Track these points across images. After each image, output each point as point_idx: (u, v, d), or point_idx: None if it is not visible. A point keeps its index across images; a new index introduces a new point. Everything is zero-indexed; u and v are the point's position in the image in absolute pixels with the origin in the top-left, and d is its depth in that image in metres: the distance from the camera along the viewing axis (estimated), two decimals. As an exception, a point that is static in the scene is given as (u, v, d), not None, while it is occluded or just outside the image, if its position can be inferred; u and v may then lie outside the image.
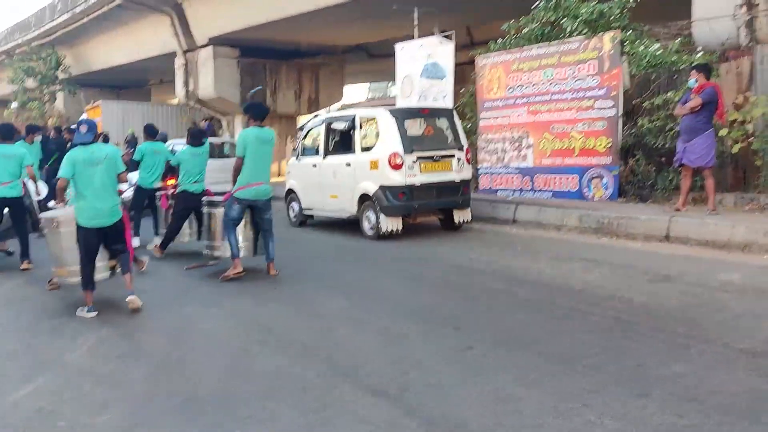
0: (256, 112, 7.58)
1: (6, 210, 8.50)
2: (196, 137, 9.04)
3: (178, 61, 25.02)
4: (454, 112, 10.92)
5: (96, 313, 6.08)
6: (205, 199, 8.36)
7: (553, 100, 11.52)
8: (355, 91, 45.89)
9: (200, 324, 5.82)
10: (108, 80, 34.15)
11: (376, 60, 26.78)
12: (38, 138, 12.04)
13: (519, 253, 8.32)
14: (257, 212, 7.53)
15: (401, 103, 13.79)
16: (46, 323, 5.99)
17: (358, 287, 7.01)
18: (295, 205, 11.82)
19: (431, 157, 9.84)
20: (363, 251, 9.11)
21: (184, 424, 3.78)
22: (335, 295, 6.61)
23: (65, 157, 6.08)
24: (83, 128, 6.10)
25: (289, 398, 4.07)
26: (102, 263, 6.42)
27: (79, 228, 6.03)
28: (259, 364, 4.74)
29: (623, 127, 10.72)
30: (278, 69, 25.06)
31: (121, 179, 6.26)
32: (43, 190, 9.86)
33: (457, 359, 4.64)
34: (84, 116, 23.42)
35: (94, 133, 6.22)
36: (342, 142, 10.77)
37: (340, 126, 10.79)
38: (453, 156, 10.07)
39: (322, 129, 10.93)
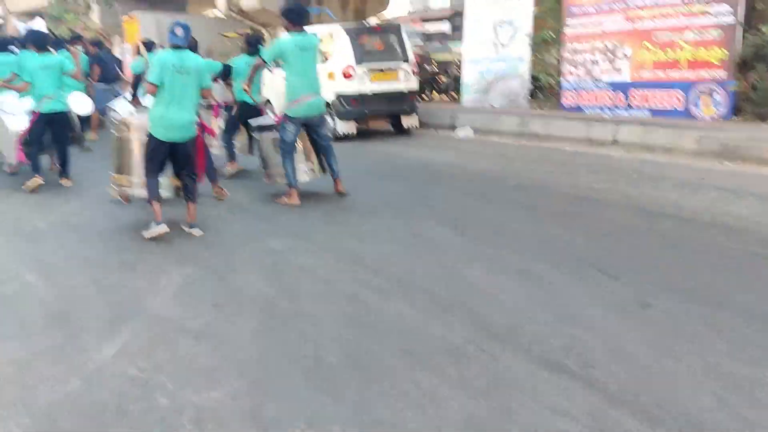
0: (295, 16, 6.48)
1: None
2: (252, 45, 8.34)
3: (218, -31, 23.59)
4: (402, 28, 12.32)
5: (165, 227, 5.45)
6: (254, 122, 7.40)
7: (657, 4, 10.13)
8: (397, 3, 43.71)
9: (295, 260, 4.95)
10: (142, -9, 32.76)
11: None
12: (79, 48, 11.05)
13: (637, 181, 7.25)
14: (312, 129, 6.72)
15: (469, 7, 12.42)
16: (115, 257, 5.18)
17: (447, 211, 6.18)
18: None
19: (380, 69, 11.38)
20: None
21: (321, 402, 2.93)
22: (429, 221, 5.72)
23: (154, 59, 5.47)
24: (179, 30, 5.39)
25: (440, 369, 3.19)
26: (165, 180, 5.89)
27: (150, 138, 5.47)
28: (384, 318, 3.86)
29: (742, 36, 9.36)
30: (324, -24, 23.48)
31: (204, 95, 5.65)
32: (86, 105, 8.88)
33: (637, 320, 3.70)
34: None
35: (189, 37, 5.52)
36: None
37: None
38: (400, 68, 11.61)
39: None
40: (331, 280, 4.53)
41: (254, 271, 4.77)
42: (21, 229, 5.98)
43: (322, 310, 4.01)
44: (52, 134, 7.79)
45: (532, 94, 12.81)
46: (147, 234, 5.46)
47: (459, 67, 22.73)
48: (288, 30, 6.52)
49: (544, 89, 12.54)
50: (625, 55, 10.61)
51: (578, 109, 11.31)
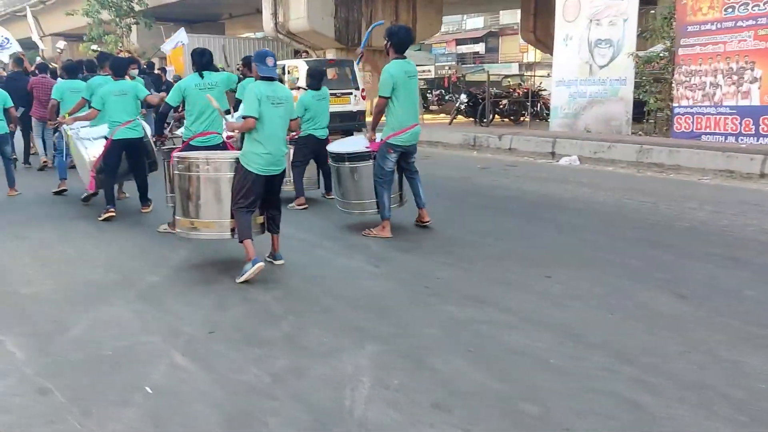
0: (400, 40, 6.12)
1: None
2: (316, 78, 7.95)
3: (266, -11, 22.90)
4: (354, 62, 15.74)
5: (262, 264, 5.03)
6: (344, 152, 6.65)
7: (797, 20, 9.12)
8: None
9: (498, 337, 3.93)
10: (182, 14, 32.44)
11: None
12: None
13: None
14: (404, 157, 6.41)
15: (559, 27, 11.50)
16: (199, 286, 4.21)
17: (621, 260, 5.35)
18: None
19: (335, 94, 13.81)
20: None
21: None
22: (616, 277, 4.73)
23: (248, 92, 5.07)
24: (270, 61, 5.10)
25: None
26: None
27: (246, 173, 5.07)
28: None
29: None
30: (375, -1, 22.79)
31: (292, 126, 5.48)
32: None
33: None
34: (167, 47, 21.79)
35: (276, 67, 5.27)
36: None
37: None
38: (351, 93, 15.61)
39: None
40: (574, 372, 3.47)
41: (456, 353, 3.73)
42: (133, 284, 5.01)
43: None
44: (129, 162, 7.49)
45: (635, 119, 11.79)
46: (243, 278, 4.97)
47: (514, 89, 22.06)
48: (390, 55, 6.17)
49: (650, 114, 11.51)
50: (756, 78, 9.54)
51: (694, 136, 10.24)
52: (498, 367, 3.53)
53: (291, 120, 5.39)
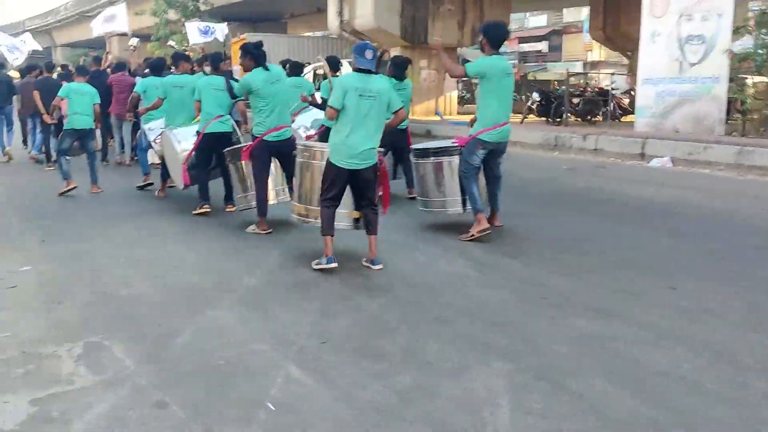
0: (495, 35, 5.98)
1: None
2: (401, 68, 7.84)
3: (332, -12, 22.81)
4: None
5: (336, 264, 5.04)
6: (429, 147, 6.52)
7: None
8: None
9: (641, 357, 3.57)
10: (245, 13, 32.72)
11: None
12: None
13: None
14: (492, 156, 6.16)
15: (646, 23, 10.97)
16: (299, 291, 3.95)
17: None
18: None
19: None
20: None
21: None
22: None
23: (338, 82, 5.14)
24: (368, 53, 5.01)
25: None
26: (344, 211, 5.36)
27: (330, 165, 5.10)
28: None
29: None
30: (441, -5, 22.41)
31: (401, 116, 5.29)
32: None
33: None
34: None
35: (377, 60, 5.18)
36: None
37: None
38: None
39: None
40: (737, 400, 3.10)
41: (596, 374, 3.39)
42: (232, 288, 4.82)
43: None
44: (217, 156, 7.34)
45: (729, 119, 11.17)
46: (316, 266, 5.10)
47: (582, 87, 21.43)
48: (485, 51, 6.00)
49: (747, 113, 10.89)
50: None
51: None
52: (647, 392, 3.19)
53: (393, 112, 5.22)
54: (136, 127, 11.54)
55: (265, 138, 6.17)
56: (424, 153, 6.43)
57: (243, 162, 6.56)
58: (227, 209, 7.44)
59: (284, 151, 6.22)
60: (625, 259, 5.39)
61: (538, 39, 47.99)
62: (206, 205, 7.28)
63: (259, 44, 6.34)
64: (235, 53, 25.43)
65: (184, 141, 7.51)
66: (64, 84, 9.28)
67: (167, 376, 3.42)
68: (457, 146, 6.15)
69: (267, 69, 6.23)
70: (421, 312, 4.28)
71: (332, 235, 5.12)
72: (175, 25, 30.00)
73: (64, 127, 8.96)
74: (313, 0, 31.18)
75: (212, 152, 7.32)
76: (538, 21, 49.12)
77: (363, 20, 21.60)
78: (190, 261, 5.62)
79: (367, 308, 4.38)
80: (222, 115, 7.23)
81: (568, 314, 4.19)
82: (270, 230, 6.36)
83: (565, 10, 45.54)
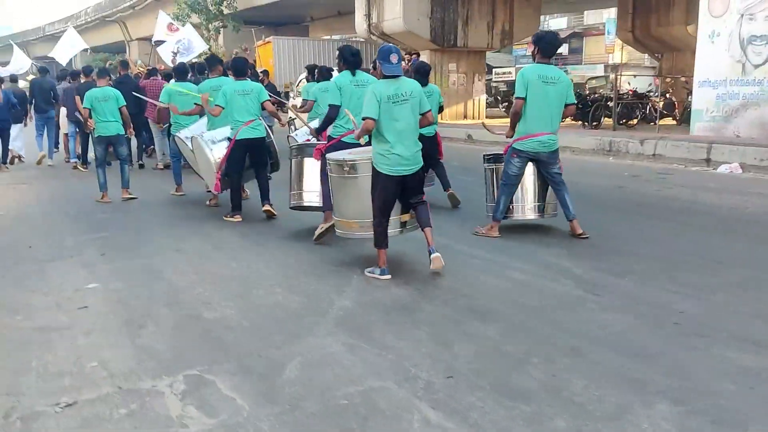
0: (547, 46, 5.99)
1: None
2: (423, 75, 7.65)
3: (359, -10, 22.47)
4: None
5: (389, 276, 5.01)
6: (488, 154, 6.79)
7: None
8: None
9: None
10: (267, 17, 32.54)
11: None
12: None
13: None
14: (541, 166, 6.19)
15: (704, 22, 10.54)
16: (402, 314, 3.54)
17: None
18: None
19: None
20: None
21: None
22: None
23: (368, 92, 4.99)
24: (394, 58, 4.93)
25: None
26: (394, 217, 5.21)
27: (378, 175, 5.00)
28: None
29: None
30: (470, -3, 22.04)
31: (427, 118, 5.15)
32: None
33: None
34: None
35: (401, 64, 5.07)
36: None
37: None
38: None
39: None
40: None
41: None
42: (324, 309, 4.43)
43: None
44: (251, 162, 7.32)
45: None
46: (370, 274, 5.11)
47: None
48: (535, 60, 6.02)
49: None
50: None
51: None
52: None
53: (420, 114, 5.09)
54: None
55: (344, 139, 6.01)
56: (495, 159, 6.57)
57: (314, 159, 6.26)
58: (264, 209, 7.23)
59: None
60: (749, 278, 4.95)
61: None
62: (238, 215, 7.27)
63: (356, 52, 6.22)
64: (262, 57, 25.20)
65: (216, 149, 7.41)
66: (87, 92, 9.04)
67: (291, 420, 3.03)
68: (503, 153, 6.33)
69: (354, 73, 6.05)
70: (546, 341, 3.87)
71: (386, 247, 5.09)
72: (198, 30, 29.78)
73: (94, 135, 8.76)
74: (333, 4, 31.04)
75: (245, 158, 7.24)
76: (558, 23, 48.60)
77: (392, 23, 21.24)
78: (268, 277, 5.24)
79: (484, 335, 3.98)
80: (253, 120, 7.13)
81: (715, 344, 3.76)
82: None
83: (586, 12, 45.09)
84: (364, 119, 4.95)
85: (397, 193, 5.07)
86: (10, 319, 4.46)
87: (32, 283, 5.25)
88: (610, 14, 44.60)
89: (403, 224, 5.32)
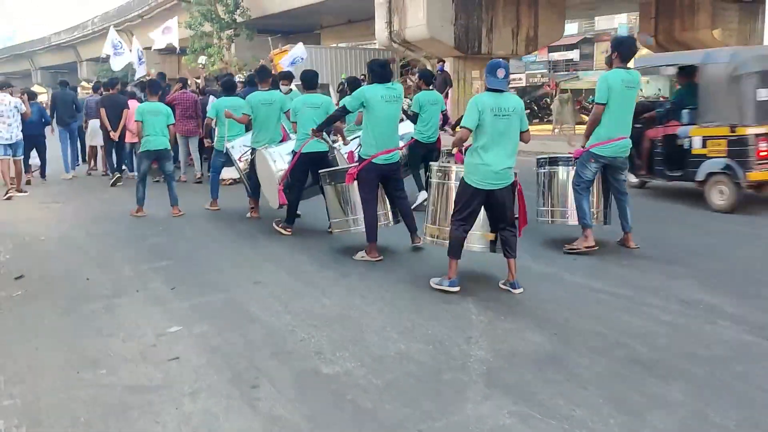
0: (627, 49, 5.91)
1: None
2: (430, 82, 7.96)
3: (380, -2, 21.92)
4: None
5: (458, 288, 4.96)
6: (546, 156, 6.61)
7: None
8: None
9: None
10: (279, 25, 31.96)
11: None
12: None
13: None
14: (612, 172, 6.11)
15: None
16: (549, 365, 2.96)
17: None
18: None
19: None
20: None
21: None
22: None
23: (472, 102, 4.91)
24: (501, 72, 4.87)
25: None
26: (479, 232, 5.20)
27: (465, 186, 4.98)
28: None
29: None
30: (495, 3, 21.53)
31: (524, 138, 5.07)
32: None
33: None
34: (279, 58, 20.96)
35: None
36: None
37: None
38: None
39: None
40: None
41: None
42: (459, 361, 3.80)
43: None
44: (313, 177, 7.03)
45: None
46: (436, 285, 5.06)
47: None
48: (614, 65, 5.90)
49: None
50: None
51: None
52: None
53: (522, 132, 5.04)
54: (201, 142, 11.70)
55: (374, 161, 5.90)
56: (551, 161, 6.45)
57: (346, 184, 6.13)
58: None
59: (391, 176, 6.09)
60: None
61: (569, 47, 46.90)
62: (290, 229, 7.14)
63: (384, 63, 6.10)
64: (278, 66, 24.57)
65: (280, 160, 7.25)
66: (137, 104, 9.11)
67: None
68: (569, 156, 6.18)
69: (387, 86, 5.97)
70: (753, 403, 3.25)
71: (459, 258, 4.99)
72: (210, 38, 29.23)
73: (140, 149, 8.52)
74: (344, 12, 30.56)
75: (308, 172, 7.06)
76: (569, 29, 47.75)
77: (415, 30, 20.75)
78: (374, 317, 4.63)
79: (674, 399, 3.36)
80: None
81: None
82: (381, 257, 5.98)
83: (597, 18, 44.60)
84: (461, 128, 4.93)
85: (480, 208, 5.01)
86: (93, 374, 3.84)
87: (104, 325, 4.63)
88: (621, 20, 44.15)
89: (492, 243, 5.19)
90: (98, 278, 5.80)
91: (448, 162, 7.51)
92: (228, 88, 9.35)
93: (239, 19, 28.57)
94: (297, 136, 7.10)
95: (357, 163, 6.11)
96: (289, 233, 7.12)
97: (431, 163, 5.81)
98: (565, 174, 6.33)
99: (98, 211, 9.03)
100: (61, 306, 5.05)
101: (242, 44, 29.99)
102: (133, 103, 12.46)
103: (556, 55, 47.64)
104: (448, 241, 5.09)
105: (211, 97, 11.49)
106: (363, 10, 28.26)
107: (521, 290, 4.97)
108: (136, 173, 8.97)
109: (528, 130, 5.10)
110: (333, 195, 6.35)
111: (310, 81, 7.27)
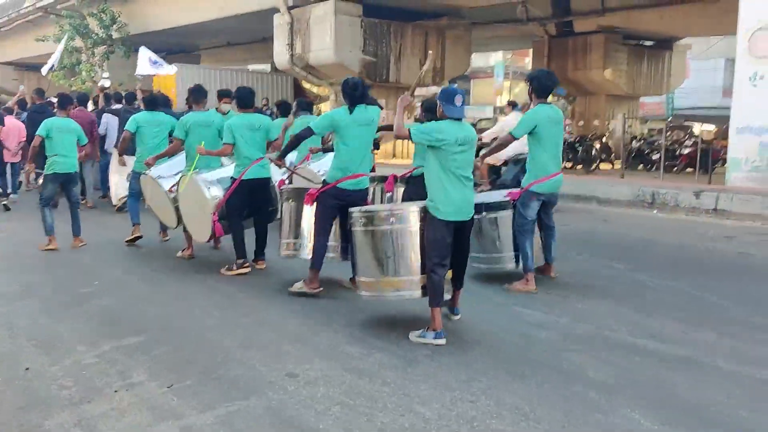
0: (542, 84, 5.82)
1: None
2: (432, 112, 6.60)
3: (281, 19, 20.50)
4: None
5: (444, 340, 4.39)
6: (483, 197, 6.29)
7: None
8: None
9: None
10: (160, 44, 29.52)
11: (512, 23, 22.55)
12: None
13: None
14: (544, 207, 6.00)
15: (743, 64, 9.75)
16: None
17: None
18: None
19: None
20: None
21: None
22: None
23: (433, 130, 4.51)
24: (458, 99, 4.57)
25: None
26: (415, 278, 4.61)
27: (437, 223, 4.54)
28: None
29: None
30: (404, 32, 20.91)
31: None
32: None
33: None
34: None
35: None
36: None
37: None
38: None
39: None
40: None
41: None
42: None
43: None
44: (251, 207, 6.51)
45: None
46: (417, 339, 4.48)
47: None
48: (531, 100, 5.89)
49: None
50: None
51: None
52: None
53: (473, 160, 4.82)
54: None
55: (339, 185, 5.41)
56: (477, 208, 5.71)
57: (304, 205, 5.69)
58: (258, 266, 6.54)
59: (356, 203, 5.43)
60: None
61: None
62: (247, 263, 6.42)
63: (356, 86, 5.42)
64: (162, 87, 22.34)
65: (214, 187, 6.50)
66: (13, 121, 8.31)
67: None
68: (509, 200, 5.98)
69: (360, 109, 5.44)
70: None
71: (440, 305, 4.56)
72: (80, 54, 26.34)
73: (45, 172, 7.55)
74: (227, 34, 29.02)
75: (247, 201, 6.43)
76: (446, 66, 48.77)
77: (320, 54, 19.57)
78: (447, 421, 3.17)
79: None
80: (261, 158, 6.39)
81: None
82: (321, 288, 5.49)
83: (474, 55, 45.49)
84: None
85: (451, 244, 4.59)
86: None
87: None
88: (497, 57, 45.40)
89: (424, 288, 4.61)
90: (45, 369, 3.92)
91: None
92: (150, 103, 8.24)
93: (115, 35, 25.96)
94: (237, 160, 6.40)
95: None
96: (249, 269, 6.39)
97: (350, 209, 5.01)
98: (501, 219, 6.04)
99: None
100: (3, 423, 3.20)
101: (117, 62, 27.24)
102: (9, 120, 10.72)
103: (434, 89, 48.13)
104: (391, 294, 4.67)
105: (107, 116, 11.12)
106: (245, 33, 26.86)
107: (459, 317, 4.89)
108: (40, 199, 7.61)
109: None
110: (288, 214, 5.94)
111: (245, 99, 6.58)
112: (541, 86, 5.80)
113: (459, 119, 4.61)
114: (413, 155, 6.89)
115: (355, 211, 4.80)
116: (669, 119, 28.47)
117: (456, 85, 4.21)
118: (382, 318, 4.96)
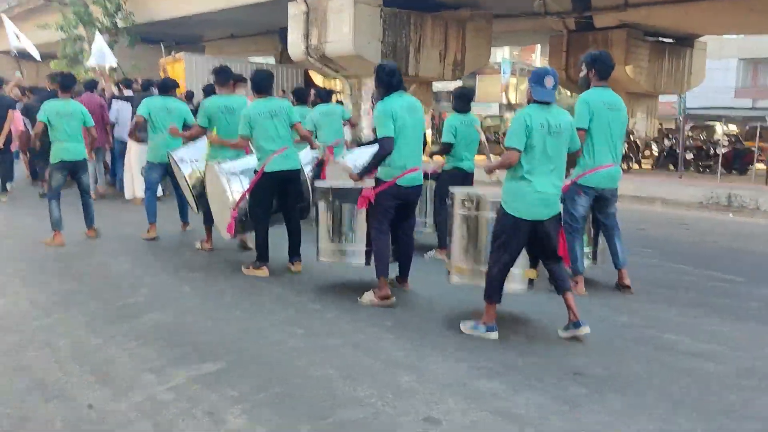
0: (603, 65, 5.33)
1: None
2: (463, 100, 6.52)
3: (296, 8, 19.69)
4: None
5: (497, 334, 4.13)
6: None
7: None
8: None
9: None
10: (164, 34, 28.74)
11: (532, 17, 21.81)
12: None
13: None
14: (600, 204, 5.46)
15: None
16: None
17: None
18: None
19: None
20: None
21: None
22: None
23: (517, 119, 4.16)
24: (549, 81, 4.16)
25: None
26: (518, 270, 4.39)
27: (507, 217, 4.19)
28: None
29: None
30: (423, 23, 20.08)
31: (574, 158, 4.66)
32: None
33: None
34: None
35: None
36: None
37: None
38: None
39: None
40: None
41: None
42: None
43: None
44: (279, 202, 5.95)
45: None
46: (468, 330, 4.26)
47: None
48: (591, 83, 5.38)
49: None
50: None
51: None
52: None
53: (570, 152, 4.41)
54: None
55: (398, 182, 4.89)
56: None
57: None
58: (293, 268, 5.91)
59: (413, 200, 5.16)
60: None
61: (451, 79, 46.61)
62: (265, 267, 5.82)
63: (393, 72, 4.98)
64: (173, 74, 21.46)
65: (237, 179, 6.00)
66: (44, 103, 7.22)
67: None
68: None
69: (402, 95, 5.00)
70: None
71: (500, 302, 4.30)
72: (84, 43, 25.47)
73: (51, 161, 6.92)
74: (228, 26, 28.40)
75: (273, 195, 5.88)
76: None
77: (337, 46, 18.73)
78: None
79: None
80: (286, 147, 5.78)
81: None
82: (393, 298, 4.92)
83: (482, 50, 44.84)
84: (507, 149, 4.18)
85: (525, 243, 4.27)
86: None
87: None
88: (504, 54, 44.67)
89: (531, 282, 4.56)
90: (113, 408, 3.10)
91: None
92: (164, 88, 7.73)
93: (121, 24, 25.13)
94: (256, 151, 5.89)
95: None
96: (266, 272, 5.79)
97: (455, 191, 4.81)
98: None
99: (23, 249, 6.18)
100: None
101: (122, 52, 26.37)
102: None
103: (439, 86, 47.23)
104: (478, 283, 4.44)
105: (118, 102, 10.66)
106: (251, 24, 26.50)
107: (588, 329, 4.21)
108: (48, 191, 7.13)
109: (580, 149, 4.64)
110: (325, 215, 5.26)
111: (264, 83, 5.94)
112: (605, 68, 5.36)
113: (548, 103, 4.21)
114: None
115: (459, 193, 4.56)
116: (680, 118, 28.00)
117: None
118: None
